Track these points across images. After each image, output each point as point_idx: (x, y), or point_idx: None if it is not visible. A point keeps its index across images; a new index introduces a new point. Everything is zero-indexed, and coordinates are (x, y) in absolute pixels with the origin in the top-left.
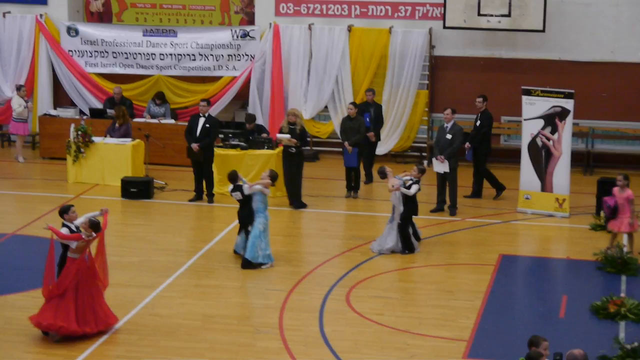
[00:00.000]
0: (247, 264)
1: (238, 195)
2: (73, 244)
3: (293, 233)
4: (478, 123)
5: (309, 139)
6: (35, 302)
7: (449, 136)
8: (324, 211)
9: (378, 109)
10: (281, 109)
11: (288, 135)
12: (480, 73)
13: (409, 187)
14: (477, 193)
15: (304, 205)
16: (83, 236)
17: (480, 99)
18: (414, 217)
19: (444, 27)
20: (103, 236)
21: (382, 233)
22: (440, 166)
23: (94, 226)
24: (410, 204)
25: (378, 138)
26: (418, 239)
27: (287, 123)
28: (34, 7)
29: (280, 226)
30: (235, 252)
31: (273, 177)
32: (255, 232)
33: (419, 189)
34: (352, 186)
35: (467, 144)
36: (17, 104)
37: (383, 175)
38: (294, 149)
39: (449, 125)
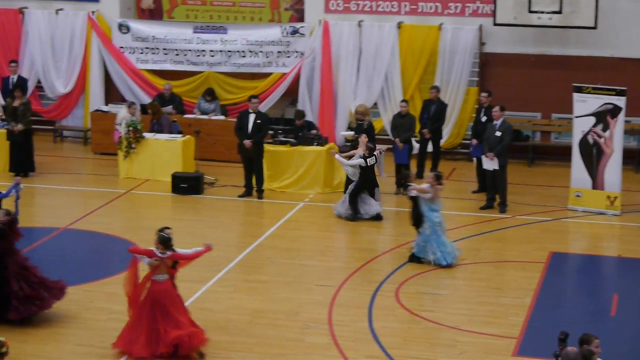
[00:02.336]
0: (413, 258)
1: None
2: (145, 260)
3: (342, 229)
4: (483, 118)
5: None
6: (87, 295)
7: (498, 133)
8: None
9: (440, 107)
10: (330, 106)
11: (352, 132)
12: (531, 70)
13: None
14: (484, 188)
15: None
16: (157, 253)
17: (485, 94)
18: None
19: (494, 24)
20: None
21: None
22: (490, 163)
23: (164, 242)
24: (363, 177)
25: (438, 135)
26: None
27: (355, 119)
28: (86, 4)
29: (329, 222)
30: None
31: (438, 177)
32: (423, 236)
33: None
34: (402, 183)
35: (474, 140)
36: (122, 118)
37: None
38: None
39: (498, 122)
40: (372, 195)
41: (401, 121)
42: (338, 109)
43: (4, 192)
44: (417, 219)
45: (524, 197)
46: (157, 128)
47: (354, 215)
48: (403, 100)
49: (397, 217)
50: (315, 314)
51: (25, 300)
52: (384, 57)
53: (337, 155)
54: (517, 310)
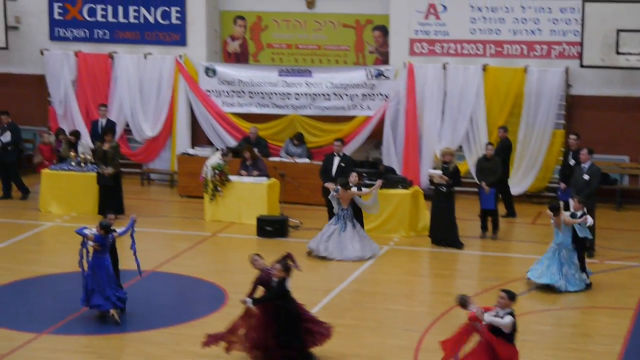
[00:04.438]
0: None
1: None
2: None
3: (427, 273)
4: (572, 161)
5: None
6: (173, 338)
7: (586, 177)
8: (458, 252)
9: (505, 144)
10: (415, 149)
11: (440, 172)
12: (618, 112)
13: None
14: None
15: (461, 245)
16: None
17: (574, 137)
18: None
19: (581, 65)
20: None
21: (332, 239)
22: None
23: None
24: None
25: (502, 173)
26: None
27: (441, 162)
28: (174, 48)
29: (413, 266)
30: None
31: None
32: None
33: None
34: (492, 226)
35: (562, 184)
36: (214, 163)
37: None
38: (444, 187)
39: (586, 165)
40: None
41: (487, 164)
42: (423, 151)
43: (121, 230)
44: None
45: (612, 242)
46: (253, 171)
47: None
48: (489, 143)
49: (482, 261)
50: (401, 359)
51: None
52: (468, 99)
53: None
54: (607, 357)
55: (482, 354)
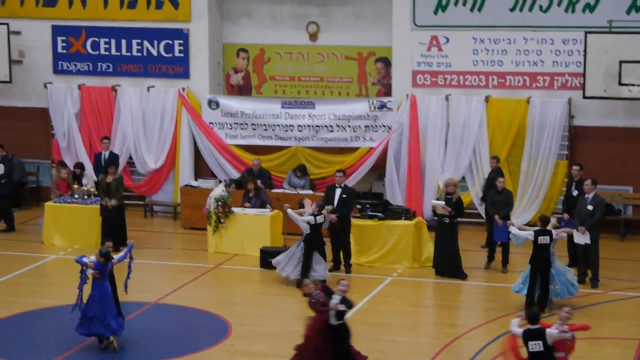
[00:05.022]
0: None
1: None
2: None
3: (431, 304)
4: (575, 192)
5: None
6: None
7: (590, 207)
8: (462, 282)
9: (498, 175)
10: (418, 180)
11: (443, 203)
12: (622, 143)
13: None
14: (575, 262)
15: (464, 276)
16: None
17: (577, 167)
18: None
19: (584, 97)
20: None
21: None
22: (582, 237)
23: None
24: (313, 235)
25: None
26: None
27: (444, 193)
28: (177, 80)
29: (418, 296)
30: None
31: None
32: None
33: None
34: (502, 259)
35: (566, 215)
36: (217, 195)
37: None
38: (447, 218)
39: (590, 196)
40: (323, 255)
41: (499, 197)
42: (425, 182)
43: (119, 256)
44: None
45: (616, 272)
46: (257, 203)
47: (303, 276)
48: (501, 176)
49: (486, 292)
50: None
51: None
52: (471, 130)
53: (289, 211)
54: None
55: None
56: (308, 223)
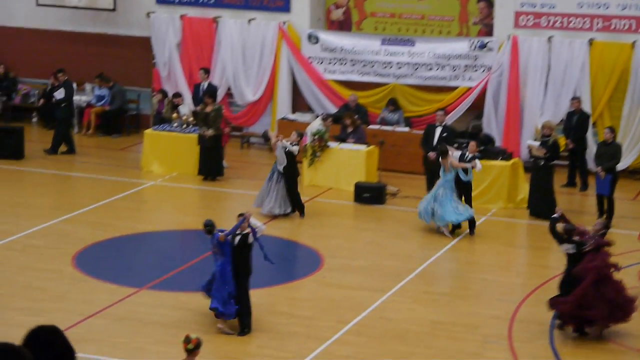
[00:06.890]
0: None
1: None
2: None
3: (524, 245)
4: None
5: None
6: (269, 299)
7: None
8: None
9: (582, 117)
10: (516, 122)
11: (538, 144)
12: None
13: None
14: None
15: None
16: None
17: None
18: None
19: None
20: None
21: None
22: None
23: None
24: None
25: (579, 145)
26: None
27: (541, 135)
28: (278, 14)
29: (511, 236)
30: None
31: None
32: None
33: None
34: (606, 212)
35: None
36: (314, 129)
37: (266, 138)
38: (543, 160)
39: None
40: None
41: (606, 149)
42: (524, 124)
43: (229, 229)
44: None
45: None
46: (354, 138)
47: (293, 210)
48: (609, 127)
49: None
50: (496, 329)
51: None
52: (573, 74)
53: (279, 142)
54: None
55: None
56: (286, 154)
